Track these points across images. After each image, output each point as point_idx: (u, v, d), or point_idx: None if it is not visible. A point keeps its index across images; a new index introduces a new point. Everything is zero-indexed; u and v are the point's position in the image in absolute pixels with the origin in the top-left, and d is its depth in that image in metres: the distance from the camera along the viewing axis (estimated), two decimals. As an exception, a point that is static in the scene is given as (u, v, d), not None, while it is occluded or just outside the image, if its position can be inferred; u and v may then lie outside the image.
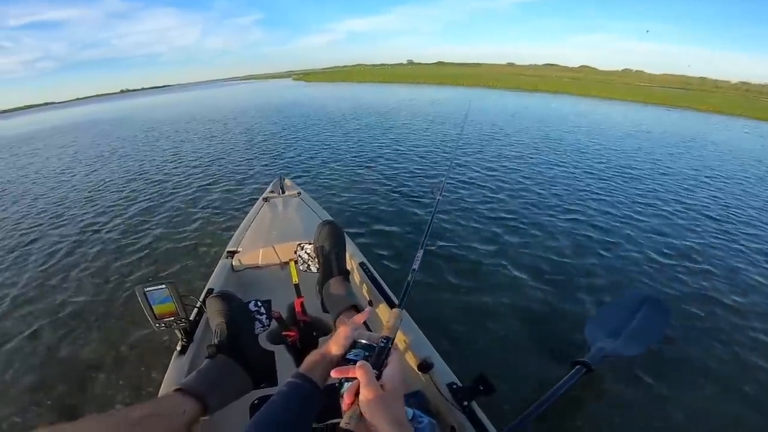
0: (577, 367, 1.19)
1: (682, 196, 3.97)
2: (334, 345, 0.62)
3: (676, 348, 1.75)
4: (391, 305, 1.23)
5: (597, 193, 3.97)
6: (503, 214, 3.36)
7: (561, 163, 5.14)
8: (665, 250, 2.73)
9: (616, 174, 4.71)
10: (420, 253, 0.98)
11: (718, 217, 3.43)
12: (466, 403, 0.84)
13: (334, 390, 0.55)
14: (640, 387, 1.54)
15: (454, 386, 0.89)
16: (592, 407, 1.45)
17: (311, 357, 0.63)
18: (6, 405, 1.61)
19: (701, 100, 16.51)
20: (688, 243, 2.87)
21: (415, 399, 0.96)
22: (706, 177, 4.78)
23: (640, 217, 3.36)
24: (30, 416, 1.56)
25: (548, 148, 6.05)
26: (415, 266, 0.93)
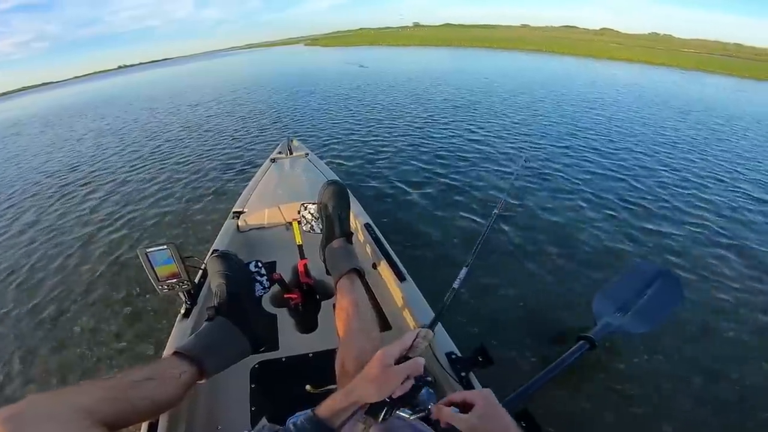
0: (581, 342, 1.18)
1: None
2: (374, 387, 0.46)
3: (686, 328, 1.65)
4: (396, 270, 1.18)
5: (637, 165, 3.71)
6: (510, 177, 3.18)
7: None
8: (690, 222, 2.57)
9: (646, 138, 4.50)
10: (463, 272, 0.88)
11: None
12: (463, 374, 0.83)
13: None
14: (642, 366, 1.48)
15: (453, 356, 0.88)
16: (593, 385, 1.41)
17: (332, 401, 0.50)
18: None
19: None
20: (720, 220, 2.61)
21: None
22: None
23: (671, 186, 3.15)
24: (25, 382, 1.57)
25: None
26: (456, 285, 0.85)
